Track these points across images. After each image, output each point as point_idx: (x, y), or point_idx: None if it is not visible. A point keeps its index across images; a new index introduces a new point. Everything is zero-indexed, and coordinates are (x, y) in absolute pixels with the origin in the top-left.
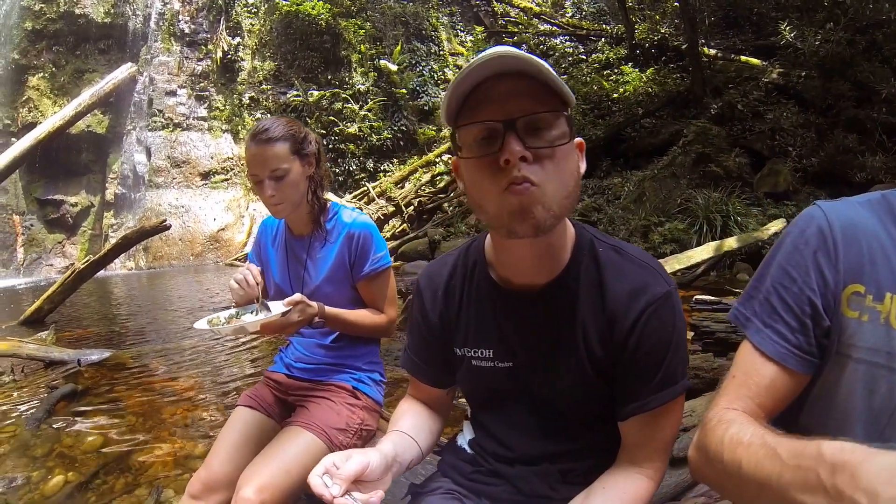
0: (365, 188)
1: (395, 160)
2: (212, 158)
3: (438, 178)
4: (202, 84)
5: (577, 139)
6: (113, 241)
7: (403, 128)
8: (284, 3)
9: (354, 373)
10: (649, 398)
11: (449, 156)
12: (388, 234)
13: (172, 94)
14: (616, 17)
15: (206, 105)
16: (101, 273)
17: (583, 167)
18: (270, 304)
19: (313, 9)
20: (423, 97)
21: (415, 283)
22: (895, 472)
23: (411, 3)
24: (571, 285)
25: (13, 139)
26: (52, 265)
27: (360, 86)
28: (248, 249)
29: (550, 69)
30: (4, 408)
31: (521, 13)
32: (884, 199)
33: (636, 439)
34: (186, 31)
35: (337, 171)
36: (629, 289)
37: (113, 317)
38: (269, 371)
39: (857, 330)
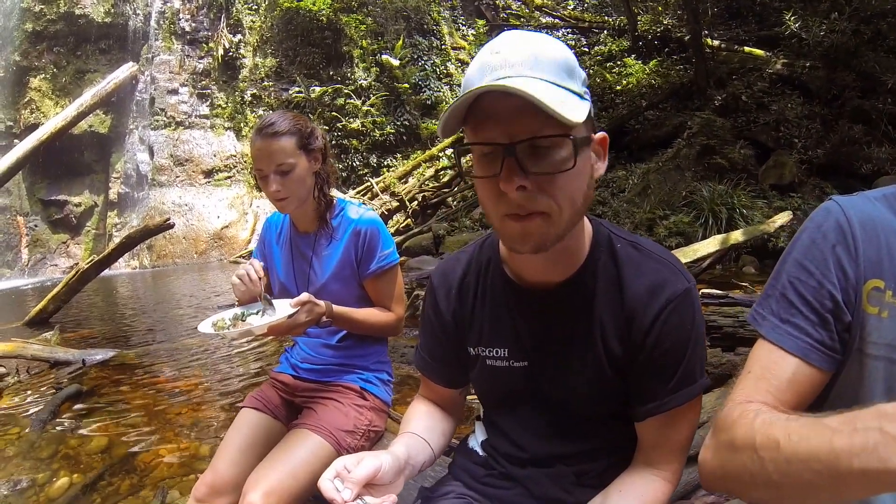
0: (368, 184)
1: (399, 155)
2: (214, 156)
3: (442, 172)
4: (204, 82)
5: (599, 134)
6: (117, 240)
7: (406, 123)
8: None
9: (362, 373)
10: (667, 398)
11: (452, 150)
12: (392, 230)
13: (174, 92)
14: (618, 9)
15: (208, 103)
16: (106, 272)
17: (602, 167)
18: (276, 302)
19: (314, 4)
20: (425, 92)
21: (427, 280)
22: None
23: None
24: (589, 282)
25: (16, 141)
26: (56, 265)
27: (362, 81)
28: (252, 247)
29: (562, 90)
30: (10, 409)
31: (523, 6)
32: None
33: (653, 440)
34: (187, 29)
35: (340, 166)
36: (648, 285)
37: (117, 316)
38: (274, 372)
39: (876, 326)
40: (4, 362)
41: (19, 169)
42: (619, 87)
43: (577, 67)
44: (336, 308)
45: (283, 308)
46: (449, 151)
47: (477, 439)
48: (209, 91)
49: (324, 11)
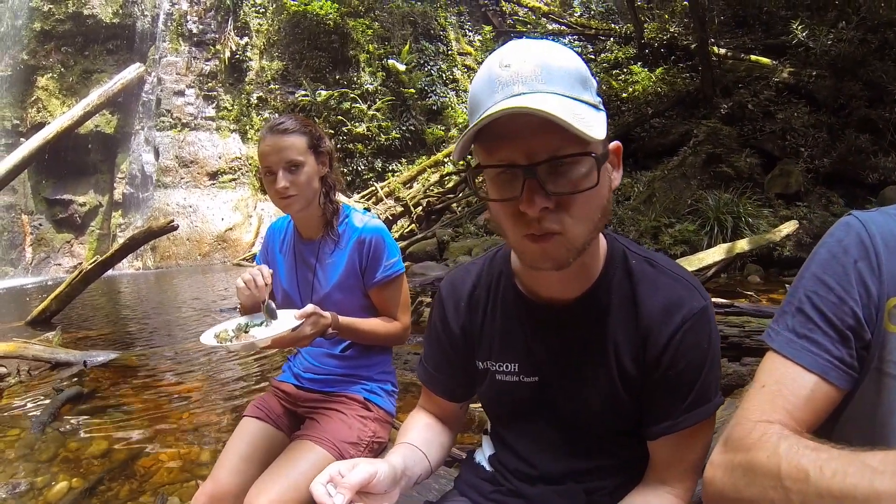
0: (373, 188)
1: (404, 160)
2: (220, 158)
3: (447, 178)
4: (210, 84)
5: (614, 143)
6: (121, 240)
7: (412, 127)
8: (292, 2)
9: (366, 384)
10: (681, 418)
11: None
12: (396, 235)
13: (180, 94)
14: (625, 17)
15: (214, 105)
16: (109, 273)
17: (618, 177)
18: (280, 312)
19: (321, 9)
20: (431, 97)
21: (436, 291)
22: None
23: (419, 3)
24: (603, 299)
25: (22, 139)
26: (60, 265)
27: (368, 85)
28: (255, 249)
29: (578, 103)
30: (10, 410)
31: (530, 12)
32: None
33: (666, 458)
34: (194, 31)
35: (345, 170)
36: (664, 303)
37: (120, 318)
38: (276, 380)
39: None
40: (5, 362)
41: (25, 167)
42: (624, 95)
43: (589, 76)
44: (342, 319)
45: (288, 319)
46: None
47: (484, 454)
48: (215, 93)
49: (331, 16)
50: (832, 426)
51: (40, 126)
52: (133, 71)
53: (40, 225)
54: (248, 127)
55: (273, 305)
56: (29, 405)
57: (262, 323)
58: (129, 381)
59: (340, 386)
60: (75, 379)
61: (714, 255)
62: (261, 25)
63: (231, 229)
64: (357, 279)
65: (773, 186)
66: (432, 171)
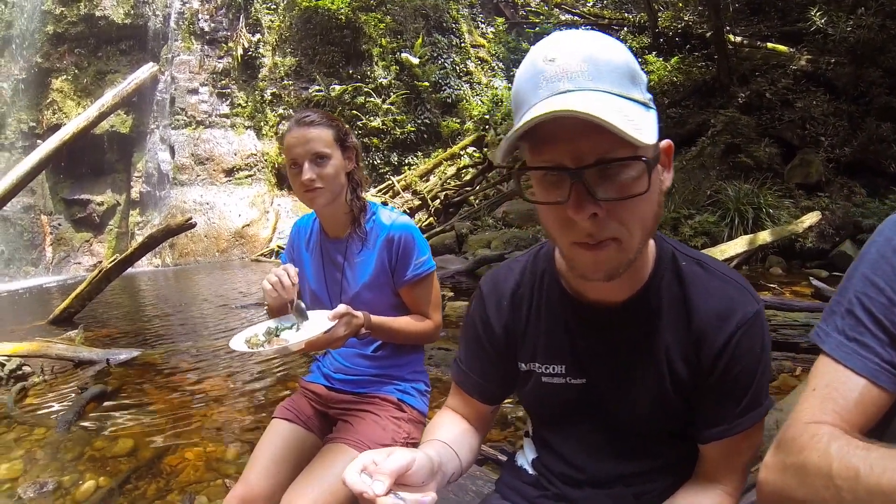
0: (390, 182)
1: (420, 153)
2: (235, 155)
3: (464, 171)
4: (224, 81)
5: (664, 142)
6: (139, 238)
7: (427, 121)
8: None
9: (399, 384)
10: (734, 422)
11: (474, 149)
12: None
13: (194, 92)
14: (638, 6)
15: (228, 102)
16: (129, 270)
17: (669, 179)
18: (310, 313)
19: (332, 3)
20: (445, 90)
21: (476, 289)
22: None
23: None
24: (653, 301)
25: (39, 141)
26: (80, 263)
27: (382, 79)
28: (273, 245)
29: (628, 102)
30: (35, 409)
31: (542, 3)
32: None
33: (716, 459)
34: (206, 29)
35: (361, 165)
36: (718, 308)
37: (141, 315)
38: (305, 381)
39: None
40: (29, 362)
41: (42, 169)
42: None
43: (638, 71)
44: (374, 318)
45: (319, 320)
46: (471, 150)
47: (526, 457)
48: (229, 90)
49: (342, 10)
50: (885, 428)
51: (56, 128)
52: (146, 70)
53: (59, 225)
54: (262, 123)
55: (303, 306)
56: (54, 404)
57: (292, 325)
58: (151, 378)
59: (373, 387)
60: (98, 377)
61: (736, 246)
62: (272, 22)
63: (248, 225)
64: (387, 278)
65: (794, 176)
66: (448, 164)
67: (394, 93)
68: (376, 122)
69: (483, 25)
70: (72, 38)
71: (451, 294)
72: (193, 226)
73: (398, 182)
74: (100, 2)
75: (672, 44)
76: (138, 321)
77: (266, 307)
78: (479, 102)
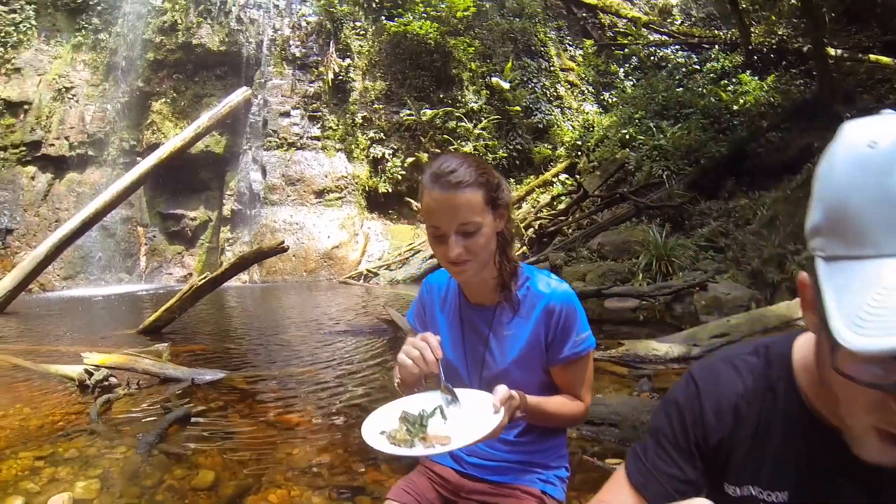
0: None
1: (511, 180)
2: (326, 177)
3: (557, 199)
4: (315, 105)
5: None
6: (229, 253)
7: (519, 146)
8: (392, 24)
9: (541, 472)
10: None
11: (566, 176)
12: None
13: (286, 115)
14: (727, 22)
15: (319, 125)
16: None
17: None
18: (460, 392)
19: (421, 28)
20: (536, 115)
21: (686, 377)
22: None
23: (518, 19)
24: None
25: (138, 158)
26: (171, 274)
27: (472, 104)
28: (361, 268)
29: None
30: (118, 424)
31: (629, 23)
32: None
33: None
34: (297, 54)
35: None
36: None
37: (227, 333)
38: (430, 461)
39: None
40: (116, 373)
41: (141, 184)
42: (735, 107)
43: None
44: (530, 400)
45: (475, 403)
46: (563, 177)
47: None
48: (320, 113)
49: (431, 35)
50: None
51: (155, 147)
52: (240, 94)
53: (154, 237)
54: (353, 146)
55: (452, 388)
56: (136, 421)
57: (434, 410)
58: (235, 404)
59: (512, 475)
60: (182, 396)
61: None
62: (362, 47)
63: (337, 247)
64: (540, 354)
65: None
66: (541, 192)
67: (485, 117)
68: (468, 148)
69: (571, 48)
70: (171, 64)
71: None
72: (286, 250)
73: None
74: (197, 31)
75: (767, 61)
76: (225, 339)
77: (398, 382)
78: (571, 128)
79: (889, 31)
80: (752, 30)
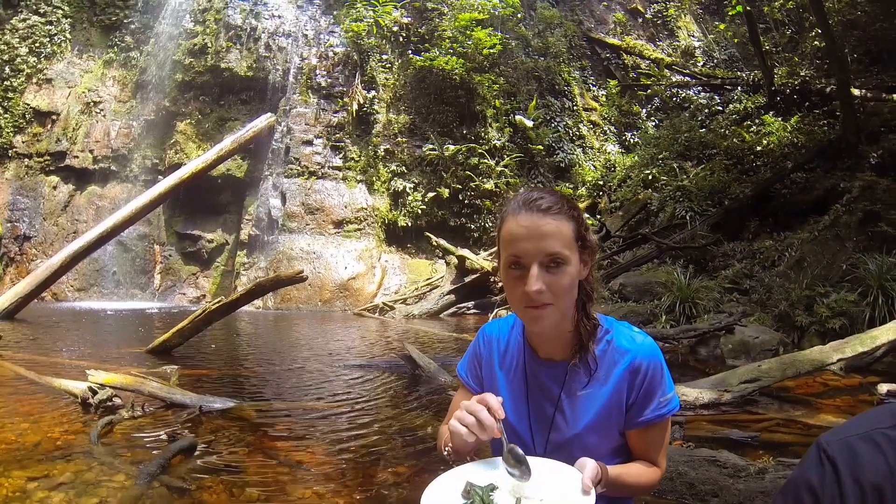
0: None
1: None
2: (346, 207)
3: None
4: (338, 135)
5: None
6: (244, 278)
7: (540, 185)
8: (418, 58)
9: None
10: None
11: (588, 216)
12: None
13: (309, 143)
14: (749, 63)
15: (341, 155)
16: None
17: None
18: (535, 463)
19: (447, 64)
20: (558, 154)
21: (816, 449)
22: None
23: (542, 58)
24: None
25: (160, 177)
26: (184, 294)
27: (496, 141)
28: (378, 301)
29: None
30: (118, 449)
31: (653, 64)
32: None
33: None
34: (323, 84)
35: (472, 227)
36: None
37: (238, 360)
38: None
39: None
40: (121, 394)
41: (160, 203)
42: (759, 148)
43: None
44: (611, 471)
45: (550, 474)
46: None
47: None
48: (343, 144)
49: (456, 71)
50: None
51: (177, 166)
52: (264, 120)
53: (170, 256)
54: (374, 178)
55: (520, 452)
56: (137, 448)
57: (492, 486)
58: (243, 436)
59: None
60: (188, 423)
61: (889, 332)
62: (387, 80)
63: (354, 278)
64: (619, 416)
65: None
66: None
67: (507, 155)
68: (489, 185)
69: (594, 88)
70: (198, 86)
71: None
72: (304, 279)
73: None
74: (225, 55)
75: (790, 102)
76: (235, 365)
77: (447, 450)
78: (592, 168)
79: None
80: (774, 71)
